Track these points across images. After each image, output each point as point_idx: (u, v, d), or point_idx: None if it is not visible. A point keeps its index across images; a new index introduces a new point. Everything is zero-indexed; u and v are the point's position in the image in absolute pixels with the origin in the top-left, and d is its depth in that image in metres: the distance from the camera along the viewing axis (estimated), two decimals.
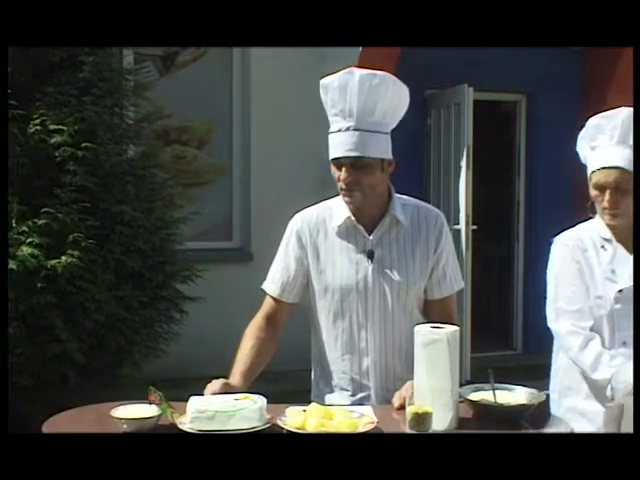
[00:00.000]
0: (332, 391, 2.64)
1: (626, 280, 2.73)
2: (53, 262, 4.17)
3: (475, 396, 2.39)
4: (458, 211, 6.90)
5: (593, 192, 2.79)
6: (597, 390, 2.69)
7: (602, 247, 2.79)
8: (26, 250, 4.13)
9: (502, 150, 8.03)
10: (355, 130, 2.44)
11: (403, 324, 2.56)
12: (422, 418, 2.15)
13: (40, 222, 4.22)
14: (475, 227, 6.95)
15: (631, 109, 2.78)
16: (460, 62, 6.72)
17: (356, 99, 2.43)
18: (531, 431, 2.31)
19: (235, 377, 2.51)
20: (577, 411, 2.80)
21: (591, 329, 2.74)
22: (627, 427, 2.68)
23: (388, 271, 2.55)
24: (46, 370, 4.28)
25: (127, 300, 4.52)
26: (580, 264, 2.78)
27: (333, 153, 2.48)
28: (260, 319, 2.68)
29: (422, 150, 7.41)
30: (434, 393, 2.24)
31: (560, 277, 2.82)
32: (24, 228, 4.20)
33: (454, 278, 2.67)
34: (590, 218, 2.87)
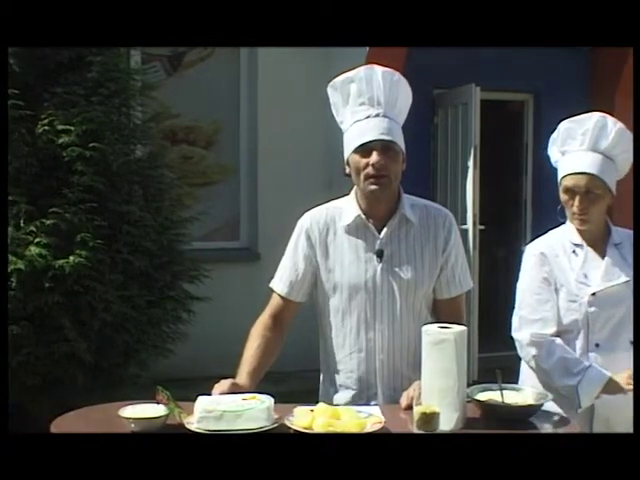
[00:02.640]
0: (339, 390, 2.64)
1: (598, 283, 2.75)
2: (61, 262, 4.18)
3: (483, 396, 2.39)
4: (465, 211, 6.89)
5: (563, 197, 2.81)
6: (564, 397, 2.70)
7: (573, 252, 2.81)
8: (34, 250, 4.15)
9: (509, 150, 8.02)
10: (384, 117, 2.48)
11: (411, 323, 2.56)
12: (429, 418, 2.15)
13: (48, 222, 4.23)
14: (482, 227, 6.95)
15: (602, 114, 2.78)
16: (467, 62, 6.71)
17: (382, 90, 2.49)
18: (539, 431, 2.31)
19: (242, 377, 2.51)
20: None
21: (558, 335, 2.76)
22: (599, 427, 2.70)
23: (397, 270, 2.54)
24: (54, 370, 4.29)
25: (134, 300, 4.53)
26: (549, 272, 2.79)
27: (361, 139, 2.47)
28: (267, 318, 2.67)
29: (429, 150, 7.39)
30: (441, 393, 2.23)
31: (526, 286, 2.85)
32: (32, 228, 4.21)
33: (463, 278, 2.66)
34: (562, 223, 2.88)
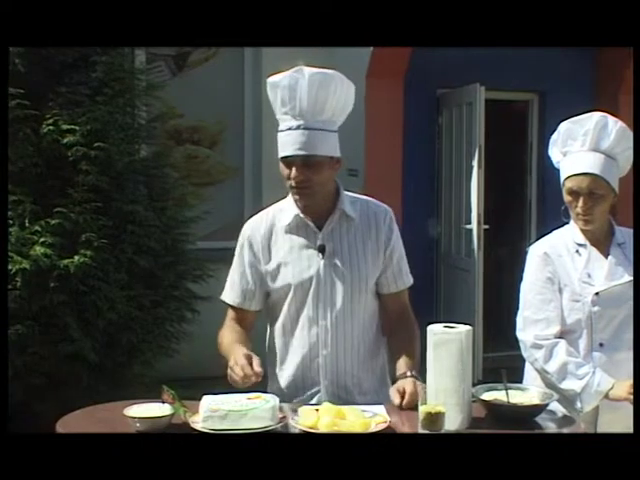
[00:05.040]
0: (286, 387, 2.63)
1: (602, 283, 2.75)
2: (66, 261, 4.18)
3: (488, 396, 2.39)
4: (470, 210, 6.88)
5: (567, 198, 2.80)
6: (566, 399, 2.70)
7: (577, 252, 2.82)
8: (39, 250, 4.15)
9: (514, 149, 8.01)
10: (305, 129, 2.45)
11: (356, 318, 2.57)
12: (435, 418, 2.14)
13: (53, 222, 4.23)
14: (487, 227, 6.93)
15: (602, 114, 2.78)
16: (472, 61, 6.70)
17: (306, 98, 2.45)
18: (544, 431, 2.31)
19: (243, 347, 2.48)
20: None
21: (562, 335, 2.77)
22: (604, 426, 2.70)
23: (340, 265, 2.55)
24: (59, 369, 4.29)
25: (139, 299, 4.53)
26: (553, 272, 2.80)
27: (282, 151, 2.48)
28: (226, 328, 2.68)
29: (434, 149, 7.39)
30: (447, 393, 2.23)
31: (529, 286, 2.86)
32: (37, 228, 4.21)
33: (407, 272, 2.68)
34: (566, 223, 2.88)
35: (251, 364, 2.34)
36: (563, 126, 2.83)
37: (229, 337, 2.61)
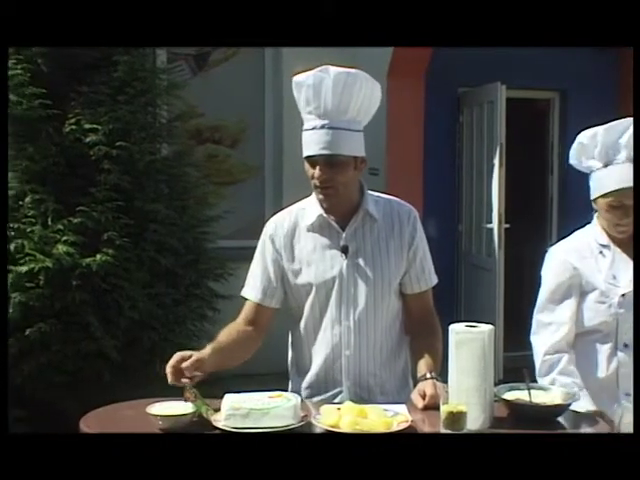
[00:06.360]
0: (308, 387, 2.63)
1: (627, 284, 2.72)
2: (88, 260, 4.21)
3: (510, 395, 2.38)
4: (491, 209, 6.87)
5: (606, 210, 2.72)
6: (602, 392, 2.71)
7: (600, 253, 2.78)
8: (61, 248, 4.17)
9: (535, 148, 7.98)
10: (329, 128, 2.44)
11: (379, 319, 2.56)
12: (457, 417, 2.14)
13: (75, 220, 4.26)
14: (508, 225, 6.91)
15: (628, 120, 2.71)
16: (493, 60, 6.67)
17: (330, 97, 2.44)
18: (566, 431, 2.30)
19: (205, 350, 2.51)
20: None
21: (584, 336, 2.75)
22: (627, 426, 2.69)
23: (363, 265, 2.54)
24: (81, 367, 4.32)
25: (160, 298, 4.55)
26: (571, 277, 2.76)
27: (307, 151, 2.48)
28: (240, 321, 2.68)
29: (455, 148, 7.38)
30: (469, 392, 2.22)
31: (545, 289, 2.84)
32: (59, 226, 4.24)
33: (430, 272, 2.66)
34: (587, 223, 2.85)
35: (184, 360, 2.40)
36: (600, 133, 2.74)
37: (220, 335, 2.62)
